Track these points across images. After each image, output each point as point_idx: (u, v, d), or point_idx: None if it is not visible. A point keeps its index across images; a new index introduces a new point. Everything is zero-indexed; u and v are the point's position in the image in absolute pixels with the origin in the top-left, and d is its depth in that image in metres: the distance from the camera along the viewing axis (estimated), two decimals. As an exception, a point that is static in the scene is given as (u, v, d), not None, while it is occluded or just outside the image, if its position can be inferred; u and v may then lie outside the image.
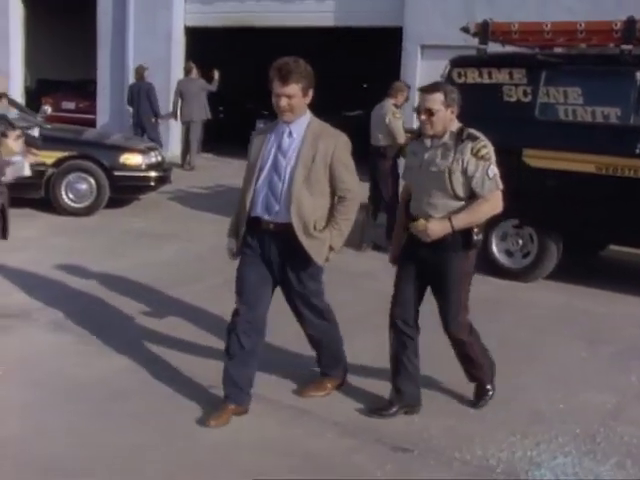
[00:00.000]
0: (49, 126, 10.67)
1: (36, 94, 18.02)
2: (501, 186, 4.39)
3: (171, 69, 15.72)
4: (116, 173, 9.86)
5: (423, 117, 4.30)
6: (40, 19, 17.84)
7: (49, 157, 9.64)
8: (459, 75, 7.92)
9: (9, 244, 8.00)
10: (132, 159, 10.04)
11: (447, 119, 4.31)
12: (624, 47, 7.03)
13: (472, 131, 4.37)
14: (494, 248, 7.82)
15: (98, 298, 6.53)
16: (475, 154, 4.26)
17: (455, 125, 4.37)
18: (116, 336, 5.64)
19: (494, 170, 4.32)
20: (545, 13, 11.06)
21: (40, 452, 3.97)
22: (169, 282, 6.98)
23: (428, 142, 4.40)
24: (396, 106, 8.76)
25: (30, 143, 5.26)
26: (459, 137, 4.31)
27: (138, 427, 4.30)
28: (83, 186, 9.81)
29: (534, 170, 7.38)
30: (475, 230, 4.38)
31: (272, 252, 4.29)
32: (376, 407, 4.57)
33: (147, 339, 5.62)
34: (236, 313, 4.35)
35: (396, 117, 8.62)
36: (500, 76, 7.67)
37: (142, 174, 10.05)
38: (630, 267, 8.61)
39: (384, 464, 3.97)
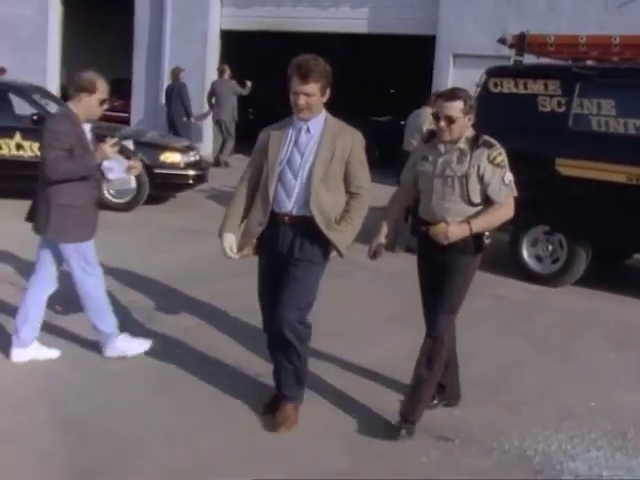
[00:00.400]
0: (99, 124, 10.95)
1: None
2: (516, 192, 4.42)
3: (206, 71, 16.07)
4: (156, 171, 10.17)
5: (443, 124, 4.29)
6: (76, 18, 18.22)
7: (92, 154, 9.96)
8: (495, 85, 8.18)
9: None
10: (172, 157, 10.37)
11: (465, 126, 4.31)
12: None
13: (487, 138, 4.39)
14: (525, 253, 8.07)
15: (145, 290, 6.81)
16: (492, 161, 4.27)
17: (470, 131, 4.38)
18: (166, 327, 5.92)
19: (510, 177, 4.35)
20: (575, 25, 11.39)
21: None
22: (210, 276, 7.26)
23: (442, 147, 4.39)
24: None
25: (124, 153, 5.50)
26: (475, 143, 4.32)
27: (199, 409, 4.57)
28: (124, 182, 10.12)
29: (566, 179, 7.62)
30: (486, 234, 4.43)
31: (285, 242, 4.28)
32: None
33: (193, 330, 5.91)
34: (266, 318, 4.49)
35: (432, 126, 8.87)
36: (535, 87, 7.91)
37: (181, 172, 10.37)
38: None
39: (429, 451, 4.22)
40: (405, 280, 7.21)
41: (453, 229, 4.27)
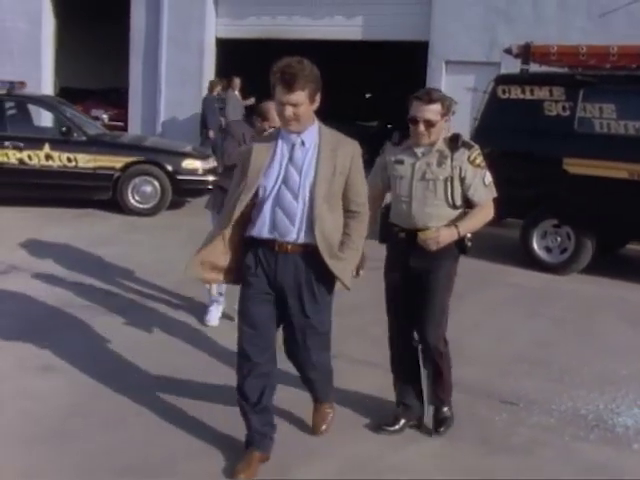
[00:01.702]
0: (116, 133, 11.55)
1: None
2: (495, 193, 4.33)
3: (203, 79, 16.58)
4: (178, 177, 10.77)
5: (421, 128, 4.10)
6: (68, 30, 18.67)
7: (118, 162, 10.59)
8: (503, 91, 8.93)
9: (90, 239, 8.99)
10: (193, 164, 10.96)
11: (442, 128, 4.17)
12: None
13: (465, 139, 4.28)
14: (535, 245, 8.83)
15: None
16: (472, 162, 4.17)
17: (447, 131, 4.25)
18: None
19: (489, 177, 4.26)
20: (560, 33, 12.19)
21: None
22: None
23: (419, 150, 4.22)
24: None
25: None
26: (454, 144, 4.18)
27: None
28: (148, 188, 10.73)
29: (573, 176, 8.38)
30: (468, 236, 4.32)
31: (285, 276, 3.78)
32: (383, 422, 4.56)
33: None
34: (244, 355, 3.88)
35: None
36: (541, 93, 8.67)
37: (201, 178, 10.95)
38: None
39: (499, 413, 4.89)
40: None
41: (444, 234, 4.16)
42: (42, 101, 11.44)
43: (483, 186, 4.23)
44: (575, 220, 8.59)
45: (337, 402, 4.58)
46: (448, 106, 4.19)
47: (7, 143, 10.45)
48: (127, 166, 10.65)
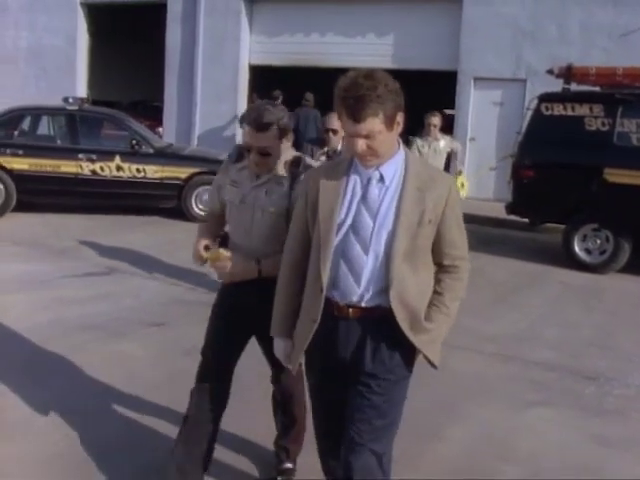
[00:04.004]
0: (178, 146, 12.39)
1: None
2: None
3: (237, 96, 17.43)
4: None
5: (256, 158, 3.40)
6: (102, 46, 19.56)
7: (183, 173, 11.43)
8: (546, 108, 9.85)
9: (165, 245, 9.79)
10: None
11: (281, 150, 3.49)
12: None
13: (310, 161, 3.64)
14: (576, 247, 9.74)
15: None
16: None
17: (289, 153, 3.56)
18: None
19: None
20: (583, 52, 13.14)
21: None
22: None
23: (255, 174, 3.53)
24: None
25: None
26: (295, 168, 3.49)
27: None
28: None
29: (612, 185, 9.29)
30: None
31: (349, 346, 2.92)
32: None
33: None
34: (322, 436, 3.25)
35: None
36: (582, 110, 9.60)
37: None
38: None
39: (586, 387, 5.75)
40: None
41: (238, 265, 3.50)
42: (112, 116, 12.26)
43: None
44: (614, 224, 9.50)
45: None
46: (284, 126, 3.42)
47: (81, 155, 11.27)
48: (191, 176, 11.47)
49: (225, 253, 3.42)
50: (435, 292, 2.95)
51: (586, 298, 8.46)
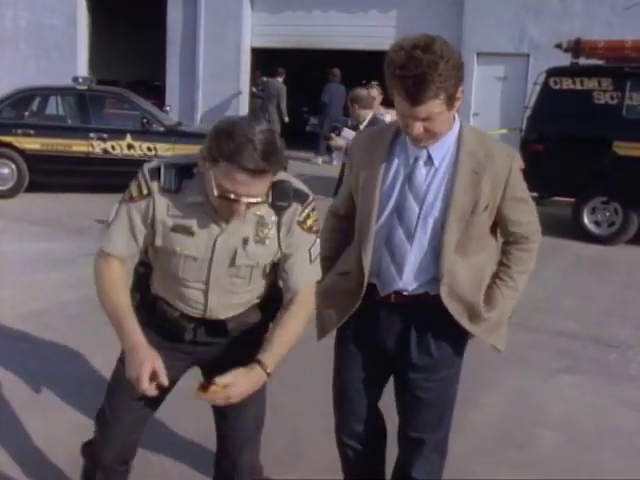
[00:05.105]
0: (187, 124, 12.48)
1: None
2: (320, 275, 2.68)
3: (240, 74, 17.43)
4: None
5: (242, 208, 2.34)
6: (101, 25, 19.49)
7: (194, 150, 11.36)
8: (555, 82, 9.96)
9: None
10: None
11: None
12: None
13: (298, 185, 2.58)
14: (585, 219, 9.90)
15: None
16: (301, 223, 2.54)
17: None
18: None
19: (318, 248, 2.62)
20: (586, 26, 13.23)
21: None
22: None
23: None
24: None
25: None
26: (282, 200, 2.50)
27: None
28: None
29: (621, 158, 9.42)
30: None
31: (390, 335, 2.70)
32: None
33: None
34: (341, 429, 2.92)
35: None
36: (590, 84, 9.70)
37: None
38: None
39: (609, 354, 5.91)
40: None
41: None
42: (121, 95, 12.29)
43: (308, 263, 2.58)
44: (622, 196, 9.65)
45: None
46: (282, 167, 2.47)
47: (92, 134, 11.32)
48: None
49: (220, 384, 2.36)
50: (501, 264, 2.73)
51: (598, 269, 8.63)
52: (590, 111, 9.67)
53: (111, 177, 11.43)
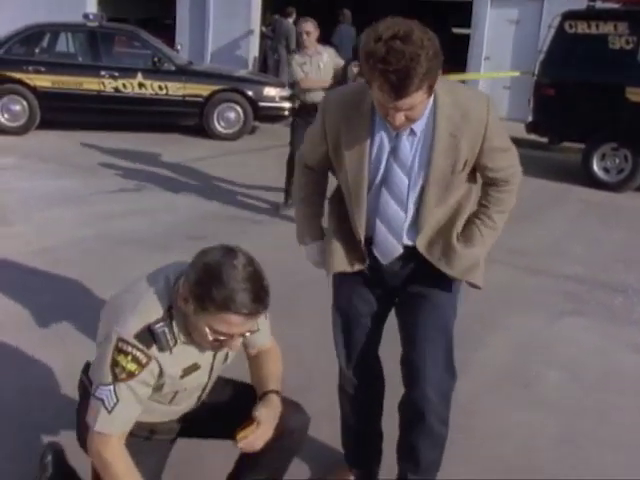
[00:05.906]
0: (197, 63, 12.40)
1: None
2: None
3: (251, 12, 17.24)
4: (260, 104, 11.70)
5: (238, 343, 2.38)
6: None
7: (205, 90, 11.49)
8: (570, 26, 9.88)
9: (191, 163, 9.94)
10: (271, 92, 11.85)
11: None
12: None
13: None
14: (595, 166, 9.90)
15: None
16: None
17: None
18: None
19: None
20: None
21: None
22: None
23: None
24: None
25: None
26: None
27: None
28: (232, 114, 11.66)
29: (633, 104, 9.37)
30: None
31: (392, 276, 2.83)
32: None
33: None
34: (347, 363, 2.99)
35: None
36: (606, 28, 9.62)
37: (278, 105, 11.86)
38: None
39: (615, 298, 5.95)
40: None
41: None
42: (132, 32, 12.22)
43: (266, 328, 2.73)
44: (633, 143, 9.63)
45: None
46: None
47: (103, 72, 11.30)
48: (213, 94, 11.53)
49: (252, 428, 2.47)
50: (480, 204, 2.79)
51: (606, 216, 8.67)
52: (604, 56, 9.60)
53: (122, 115, 11.52)
